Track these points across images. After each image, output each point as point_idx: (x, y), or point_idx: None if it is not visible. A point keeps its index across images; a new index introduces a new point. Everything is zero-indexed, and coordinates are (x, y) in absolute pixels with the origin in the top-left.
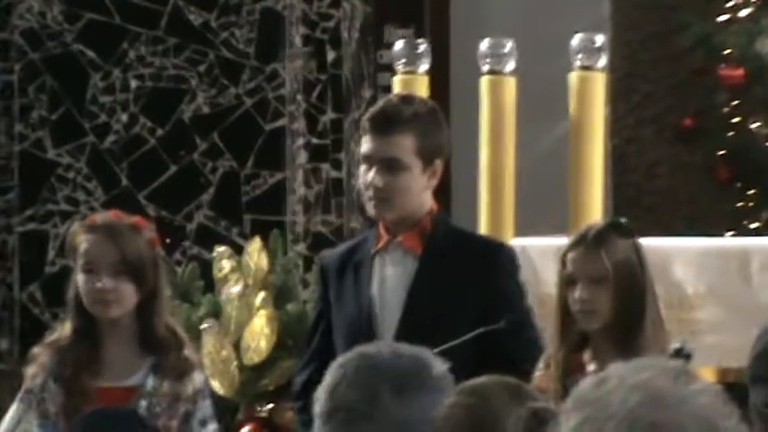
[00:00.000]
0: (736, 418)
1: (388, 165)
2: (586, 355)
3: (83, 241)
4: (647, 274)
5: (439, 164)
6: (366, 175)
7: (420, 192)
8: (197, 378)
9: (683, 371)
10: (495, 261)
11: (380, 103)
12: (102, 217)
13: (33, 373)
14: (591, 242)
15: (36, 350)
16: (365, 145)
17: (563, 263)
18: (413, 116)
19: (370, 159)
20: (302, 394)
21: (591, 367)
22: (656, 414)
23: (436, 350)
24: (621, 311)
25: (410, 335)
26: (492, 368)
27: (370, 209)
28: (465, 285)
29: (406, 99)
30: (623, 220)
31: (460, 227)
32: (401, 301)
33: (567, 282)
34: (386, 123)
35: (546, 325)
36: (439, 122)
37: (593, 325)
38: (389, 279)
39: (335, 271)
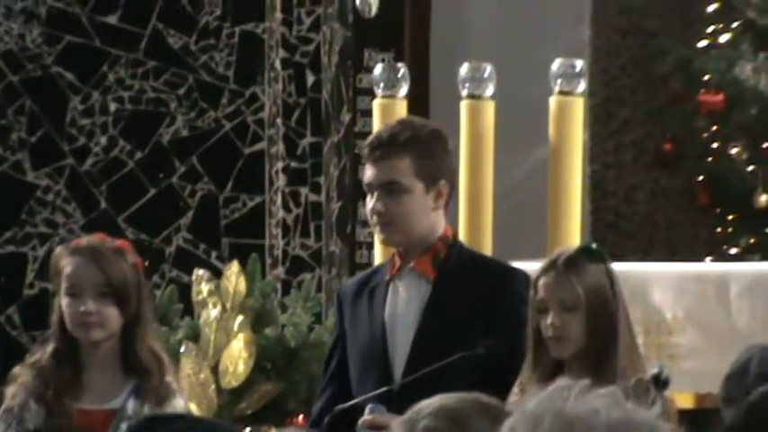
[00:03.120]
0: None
1: (388, 189)
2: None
3: (67, 264)
4: (619, 299)
5: (444, 184)
6: (369, 203)
7: (425, 214)
8: (178, 404)
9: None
10: (508, 286)
11: (378, 129)
12: (86, 240)
13: (13, 392)
14: (561, 268)
15: (17, 370)
16: (366, 173)
17: (535, 289)
18: (409, 139)
19: (370, 186)
20: (319, 420)
21: None
22: None
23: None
24: (593, 337)
25: (422, 359)
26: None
27: (378, 234)
28: (477, 310)
29: (403, 122)
30: (594, 245)
31: (474, 250)
32: (414, 326)
33: (538, 308)
34: (381, 148)
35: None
36: (440, 144)
37: (566, 352)
38: (402, 304)
39: (351, 298)
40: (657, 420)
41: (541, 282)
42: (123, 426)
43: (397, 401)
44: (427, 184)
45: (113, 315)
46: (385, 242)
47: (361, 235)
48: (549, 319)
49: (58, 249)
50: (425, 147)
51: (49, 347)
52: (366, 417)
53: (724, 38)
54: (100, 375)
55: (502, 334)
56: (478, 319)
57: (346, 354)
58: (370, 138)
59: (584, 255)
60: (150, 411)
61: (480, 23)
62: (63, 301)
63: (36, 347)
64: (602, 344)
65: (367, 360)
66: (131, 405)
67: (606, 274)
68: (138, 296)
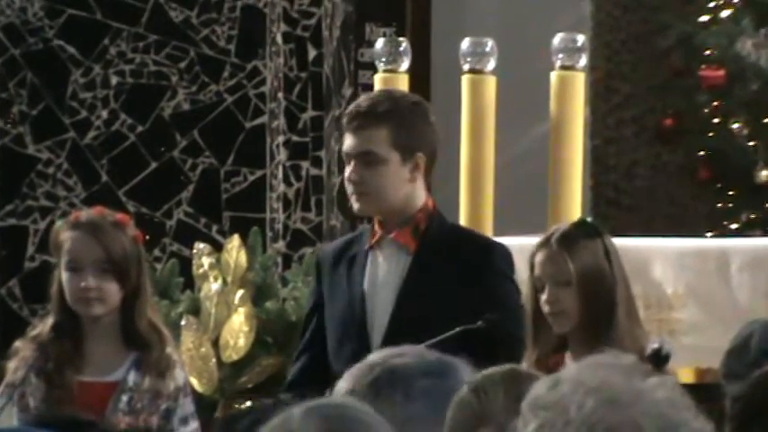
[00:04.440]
0: (693, 411)
1: (365, 159)
2: (568, 357)
3: (67, 239)
4: (617, 272)
5: (421, 156)
6: (346, 172)
7: (401, 185)
8: (179, 375)
9: (637, 366)
10: (488, 259)
11: (357, 100)
12: (86, 214)
13: (15, 366)
14: (555, 245)
15: (18, 344)
16: (344, 142)
17: (531, 266)
18: (388, 110)
19: (348, 156)
20: (293, 384)
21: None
22: (612, 416)
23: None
24: (589, 312)
25: (401, 331)
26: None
27: (353, 204)
28: (457, 282)
29: (384, 93)
30: (589, 219)
31: (456, 224)
32: (393, 297)
33: (535, 285)
34: (359, 118)
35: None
36: (420, 116)
37: (564, 327)
38: (382, 274)
39: (330, 265)
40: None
41: (537, 259)
42: (124, 397)
43: None
44: (404, 156)
45: (113, 290)
46: (360, 212)
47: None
48: (545, 296)
49: (58, 223)
50: (404, 118)
51: (50, 321)
52: None
53: (725, 13)
54: (100, 348)
55: (484, 309)
56: (458, 293)
57: (324, 320)
58: (350, 107)
59: (578, 230)
60: (151, 383)
61: None
62: (63, 276)
63: (37, 321)
64: (599, 317)
65: (345, 329)
66: (132, 377)
67: (602, 248)
68: (138, 269)
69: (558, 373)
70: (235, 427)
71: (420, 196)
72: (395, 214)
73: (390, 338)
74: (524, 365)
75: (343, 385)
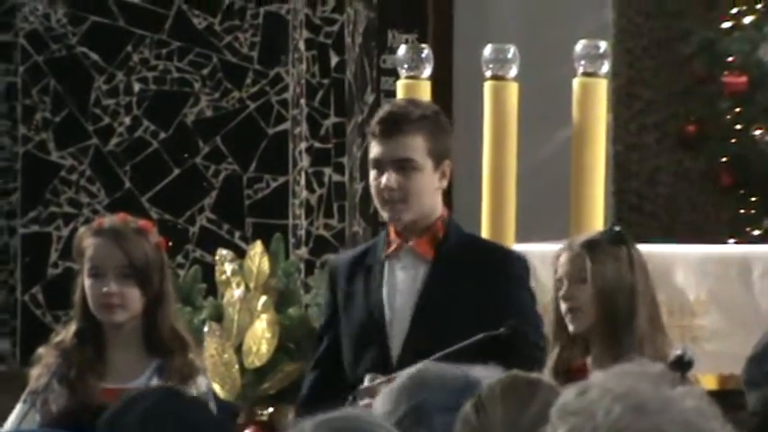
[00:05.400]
0: (721, 420)
1: (402, 166)
2: (589, 360)
3: (90, 245)
4: (640, 280)
5: (448, 164)
6: (378, 180)
7: (433, 193)
8: (201, 382)
9: (665, 375)
10: (506, 268)
11: (386, 107)
12: (108, 221)
13: (38, 373)
14: (578, 246)
15: (41, 351)
16: (375, 149)
17: (555, 268)
18: (421, 117)
19: (381, 163)
20: (308, 401)
21: (588, 362)
22: (639, 423)
23: (439, 354)
24: (607, 315)
25: (420, 340)
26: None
27: (386, 213)
28: (475, 291)
29: (411, 101)
30: (618, 227)
31: (472, 233)
32: (412, 307)
33: (557, 286)
34: (396, 125)
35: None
36: (444, 124)
37: (580, 326)
38: (400, 284)
39: (345, 276)
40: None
41: (560, 260)
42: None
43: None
44: (435, 164)
45: (135, 296)
46: (394, 220)
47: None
48: (561, 292)
49: (81, 230)
50: (436, 125)
51: (72, 327)
52: (366, 384)
53: (748, 19)
54: (123, 354)
55: (502, 317)
56: (476, 301)
57: (338, 335)
58: (381, 114)
59: (604, 235)
60: None
61: (504, 4)
62: (86, 282)
63: (60, 328)
64: (617, 322)
65: (363, 339)
66: (155, 383)
67: (627, 254)
68: (161, 276)
69: (587, 380)
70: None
71: (440, 204)
72: (420, 223)
73: (410, 348)
74: (546, 370)
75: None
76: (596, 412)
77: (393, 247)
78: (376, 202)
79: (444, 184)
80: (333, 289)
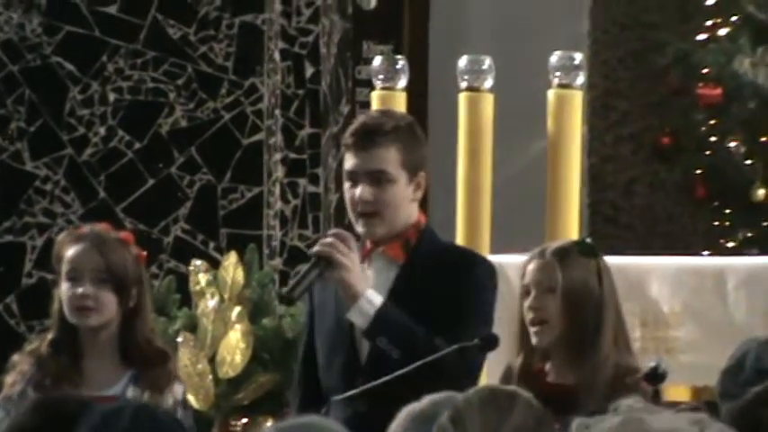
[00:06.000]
0: None
1: (376, 178)
2: (548, 366)
3: (69, 249)
4: (608, 295)
5: (423, 176)
6: (352, 191)
7: (406, 205)
8: (177, 390)
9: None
10: (470, 272)
11: (360, 118)
12: (90, 227)
13: (12, 380)
14: (548, 255)
15: (16, 358)
16: (349, 161)
17: (522, 275)
18: (394, 128)
19: (355, 175)
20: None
21: (550, 378)
22: None
23: (411, 367)
24: (573, 326)
25: None
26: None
27: (360, 226)
28: (441, 295)
29: (385, 113)
30: (588, 240)
31: (448, 241)
32: None
33: (524, 293)
34: (369, 137)
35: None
36: (418, 135)
37: (544, 339)
38: (370, 287)
39: (320, 282)
40: None
41: (528, 267)
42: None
43: (363, 382)
44: (410, 176)
45: (110, 301)
46: (368, 234)
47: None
48: (528, 301)
49: (62, 235)
50: (409, 137)
51: (48, 336)
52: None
53: (723, 31)
54: (99, 363)
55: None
56: (441, 305)
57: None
58: (354, 125)
59: (574, 247)
60: (150, 398)
61: (479, 16)
62: (63, 286)
63: (34, 337)
64: (583, 335)
65: (334, 344)
66: (130, 392)
67: (596, 268)
68: (140, 288)
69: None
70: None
71: (414, 213)
72: (393, 232)
73: (377, 351)
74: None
75: None
76: None
77: (365, 251)
78: (350, 214)
79: (419, 195)
80: (310, 297)
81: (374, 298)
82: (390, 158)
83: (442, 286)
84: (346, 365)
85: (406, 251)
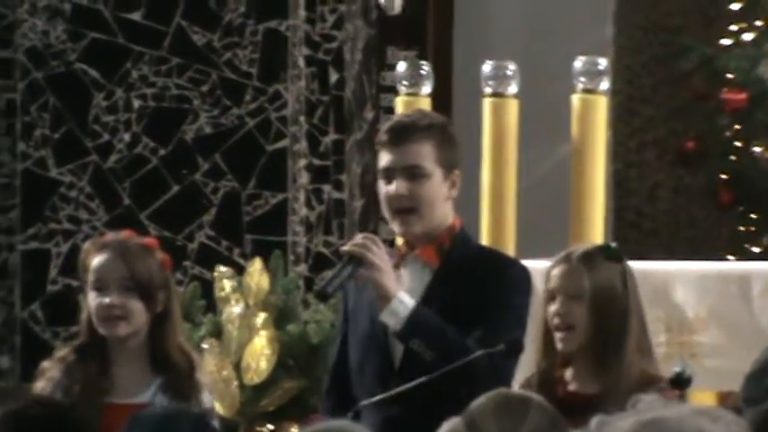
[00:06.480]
0: None
1: (411, 173)
2: (568, 373)
3: (94, 259)
4: (632, 301)
5: (458, 174)
6: (387, 188)
7: (442, 202)
8: (205, 399)
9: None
10: (504, 276)
11: (394, 117)
12: (113, 236)
13: (42, 387)
14: (574, 260)
15: (45, 364)
16: (384, 158)
17: (547, 279)
18: (428, 126)
19: (390, 171)
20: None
21: (572, 387)
22: None
23: (438, 373)
24: (598, 332)
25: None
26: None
27: (396, 225)
28: (475, 298)
29: (419, 111)
30: (613, 244)
31: (482, 244)
32: None
33: (548, 298)
34: (404, 133)
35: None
36: (452, 134)
37: (570, 344)
38: (404, 291)
39: (355, 287)
40: None
41: (553, 272)
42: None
43: (396, 387)
44: (445, 172)
45: (138, 309)
46: (403, 233)
47: (384, 232)
48: (554, 307)
49: (86, 245)
50: (443, 135)
51: (77, 343)
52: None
53: (747, 36)
54: (128, 371)
55: (497, 320)
56: (476, 308)
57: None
58: (389, 124)
59: (600, 251)
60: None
61: (504, 21)
62: (90, 296)
63: (60, 344)
64: (608, 341)
65: (367, 348)
66: (159, 400)
67: (621, 273)
68: (167, 293)
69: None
70: None
71: (450, 215)
72: (429, 233)
73: (411, 354)
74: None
75: None
76: None
77: (400, 255)
78: (386, 212)
79: (454, 193)
80: (345, 299)
81: (407, 299)
82: (425, 154)
83: (475, 290)
84: (380, 370)
85: (440, 255)
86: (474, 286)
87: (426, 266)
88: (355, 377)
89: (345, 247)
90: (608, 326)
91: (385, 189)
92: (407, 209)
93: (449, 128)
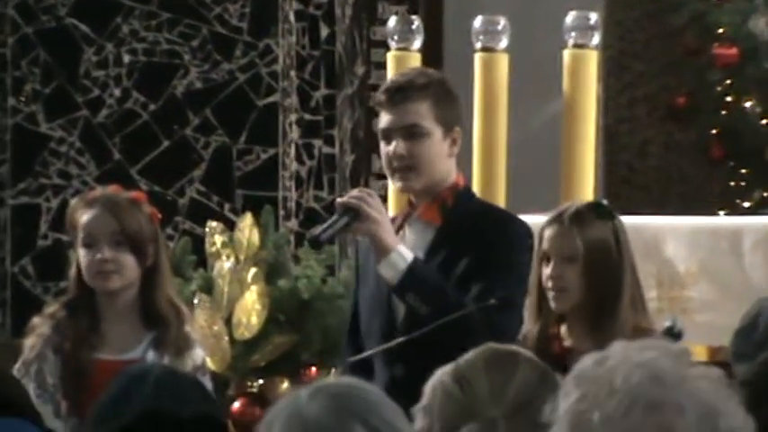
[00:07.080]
0: (736, 402)
1: (410, 132)
2: (563, 330)
3: (82, 215)
4: (626, 257)
5: (458, 131)
6: (387, 149)
7: (443, 160)
8: (197, 354)
9: (685, 353)
10: (506, 232)
11: (391, 77)
12: (100, 191)
13: (32, 343)
14: (566, 220)
15: (35, 321)
16: (383, 119)
17: (540, 240)
18: (426, 84)
19: (389, 132)
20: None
21: (567, 342)
22: (657, 392)
23: (431, 327)
24: (592, 291)
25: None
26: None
27: (397, 182)
28: (476, 256)
29: (416, 69)
30: (604, 201)
31: (484, 200)
32: None
33: (541, 259)
34: (401, 93)
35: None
36: (451, 91)
37: (565, 304)
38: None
39: (365, 248)
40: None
41: (546, 233)
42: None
43: (400, 347)
44: (445, 130)
45: (130, 263)
46: (404, 189)
47: (375, 187)
48: (549, 270)
49: (74, 202)
50: (442, 92)
51: (66, 299)
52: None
53: None
54: (118, 326)
55: (493, 275)
56: (477, 264)
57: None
58: (386, 84)
59: (591, 210)
60: (169, 361)
61: None
62: (80, 252)
63: (51, 300)
64: (602, 299)
65: (373, 307)
66: (150, 356)
67: (612, 230)
68: (156, 247)
69: (606, 350)
70: None
71: (453, 172)
72: (431, 190)
73: (412, 312)
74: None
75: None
76: (615, 378)
77: (403, 214)
78: (386, 171)
79: (455, 150)
80: (357, 261)
81: (406, 253)
82: (423, 112)
83: (476, 246)
84: (383, 327)
85: (442, 213)
86: (474, 242)
87: (429, 225)
88: (365, 335)
89: (341, 200)
90: (602, 284)
91: (385, 149)
92: (406, 167)
93: (447, 85)
